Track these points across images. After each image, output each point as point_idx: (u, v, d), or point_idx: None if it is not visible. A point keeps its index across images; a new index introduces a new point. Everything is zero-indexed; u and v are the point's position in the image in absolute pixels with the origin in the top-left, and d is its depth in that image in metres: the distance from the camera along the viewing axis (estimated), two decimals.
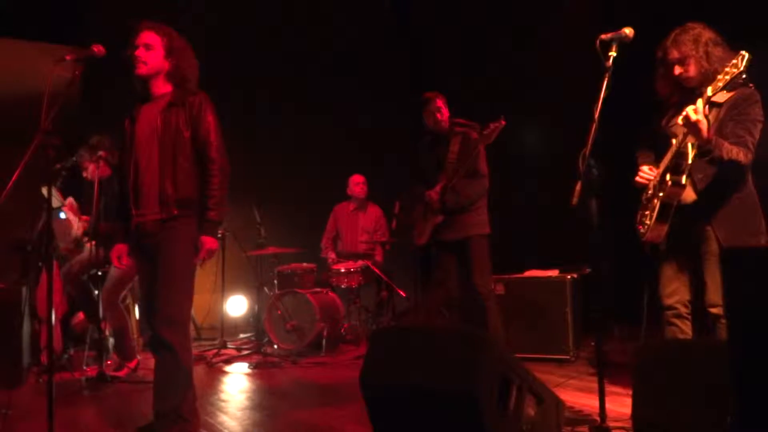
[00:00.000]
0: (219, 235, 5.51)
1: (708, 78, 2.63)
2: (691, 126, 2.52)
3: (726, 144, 2.60)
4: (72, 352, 4.75)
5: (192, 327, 6.15)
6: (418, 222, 4.26)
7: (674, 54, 2.77)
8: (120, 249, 2.96)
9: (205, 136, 2.83)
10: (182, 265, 2.77)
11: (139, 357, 4.33)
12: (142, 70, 2.84)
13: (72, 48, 2.70)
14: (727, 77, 2.45)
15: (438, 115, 4.11)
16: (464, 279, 4.16)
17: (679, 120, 2.59)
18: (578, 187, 2.51)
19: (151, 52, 2.83)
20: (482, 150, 4.00)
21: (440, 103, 4.13)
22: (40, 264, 4.46)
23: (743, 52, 2.45)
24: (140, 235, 2.84)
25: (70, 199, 4.58)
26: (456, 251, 4.09)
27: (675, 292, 2.86)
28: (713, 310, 2.73)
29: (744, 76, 2.48)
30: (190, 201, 2.81)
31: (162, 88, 2.90)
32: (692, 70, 2.73)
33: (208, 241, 2.80)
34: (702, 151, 2.61)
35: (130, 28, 2.88)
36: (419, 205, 4.28)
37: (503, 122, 3.76)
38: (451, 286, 4.09)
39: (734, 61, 2.45)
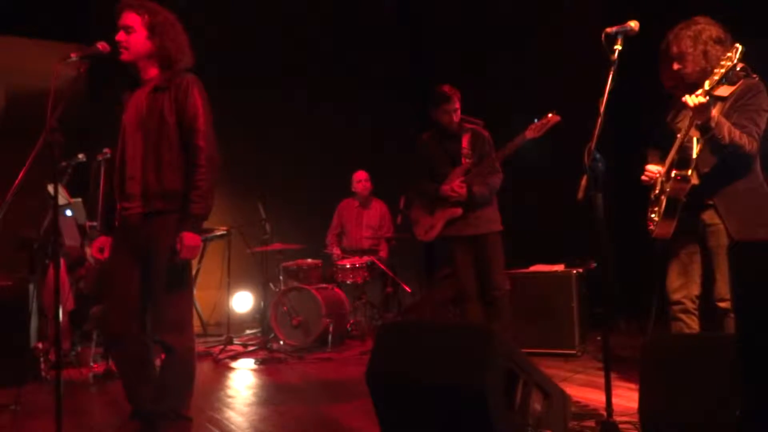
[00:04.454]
0: (224, 233, 5.62)
1: (706, 74, 2.63)
2: (694, 110, 2.53)
3: (728, 124, 2.59)
4: (79, 348, 4.77)
5: (198, 323, 6.20)
6: (421, 217, 4.22)
7: (673, 49, 2.79)
8: (102, 242, 2.75)
9: (192, 121, 2.59)
10: (176, 266, 2.59)
11: None
12: (124, 56, 2.62)
13: (77, 46, 2.68)
14: (722, 70, 2.48)
15: (454, 115, 4.05)
16: (479, 274, 4.16)
17: (689, 101, 2.57)
18: (584, 181, 2.51)
19: (133, 35, 2.61)
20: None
21: (458, 103, 4.05)
22: (46, 261, 4.47)
23: (737, 45, 2.48)
24: (125, 229, 2.66)
25: None
26: (472, 246, 4.07)
27: (682, 287, 2.86)
28: (722, 305, 2.73)
29: (738, 68, 2.49)
30: (175, 194, 2.58)
31: (150, 71, 2.69)
32: (689, 68, 2.74)
33: (188, 237, 2.52)
34: (702, 128, 2.59)
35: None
36: (419, 200, 4.25)
37: (557, 117, 3.69)
38: (467, 281, 4.06)
39: (729, 54, 2.49)
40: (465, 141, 4.08)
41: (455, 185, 4.00)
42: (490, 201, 4.09)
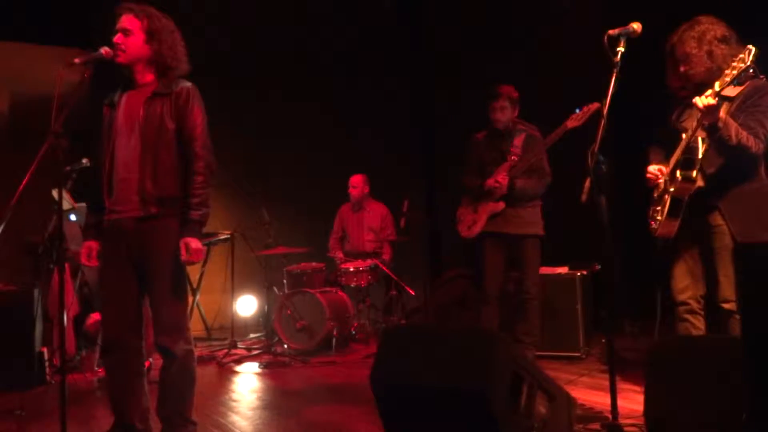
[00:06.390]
0: (227, 237, 5.63)
1: (712, 74, 2.62)
2: (703, 111, 2.52)
3: (735, 125, 2.59)
4: (84, 353, 4.77)
5: (202, 327, 6.21)
6: (465, 214, 4.22)
7: (678, 52, 2.78)
8: (90, 246, 2.70)
9: (191, 130, 2.63)
10: (173, 269, 2.60)
11: (151, 359, 4.36)
12: (121, 58, 2.61)
13: (81, 51, 2.69)
14: (734, 72, 2.47)
15: (500, 114, 4.03)
16: (511, 274, 4.19)
17: (698, 103, 2.56)
18: (587, 183, 2.50)
19: (130, 37, 2.62)
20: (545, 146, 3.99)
21: (505, 101, 4.04)
22: (51, 266, 4.48)
23: (750, 47, 2.47)
24: (117, 234, 2.63)
25: None
26: (506, 247, 4.07)
27: (687, 287, 2.86)
28: (726, 306, 2.72)
29: (751, 70, 2.48)
30: (171, 199, 2.61)
31: (145, 75, 2.69)
32: (695, 69, 2.74)
33: (194, 242, 2.59)
34: (710, 129, 2.58)
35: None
36: (465, 198, 4.26)
37: (596, 104, 3.63)
38: (491, 282, 4.06)
39: (741, 56, 2.47)
40: (518, 141, 4.08)
41: (499, 177, 4.00)
42: (532, 200, 4.08)
